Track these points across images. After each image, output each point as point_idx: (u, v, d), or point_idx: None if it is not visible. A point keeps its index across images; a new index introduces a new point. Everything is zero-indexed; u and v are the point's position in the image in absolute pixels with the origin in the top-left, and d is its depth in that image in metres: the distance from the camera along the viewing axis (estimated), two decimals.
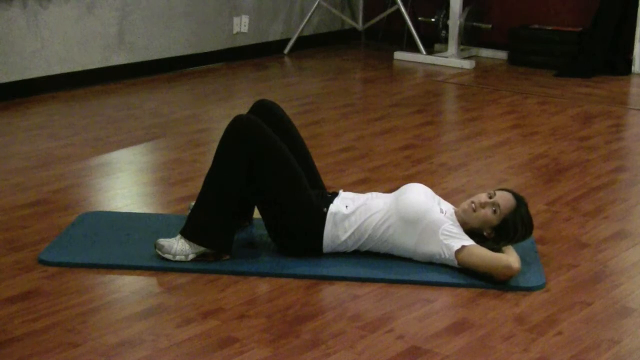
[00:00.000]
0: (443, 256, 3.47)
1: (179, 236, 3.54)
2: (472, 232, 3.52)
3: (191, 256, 3.53)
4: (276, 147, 3.52)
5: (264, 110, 3.76)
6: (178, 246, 3.52)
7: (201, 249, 3.53)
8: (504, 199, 3.50)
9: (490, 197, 3.52)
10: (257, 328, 3.07)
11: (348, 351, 2.93)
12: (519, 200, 3.53)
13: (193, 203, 3.65)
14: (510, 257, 3.41)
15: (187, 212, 3.72)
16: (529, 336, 3.04)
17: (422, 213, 3.49)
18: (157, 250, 3.54)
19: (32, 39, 6.13)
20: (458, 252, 3.44)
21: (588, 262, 3.65)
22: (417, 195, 3.55)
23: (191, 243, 3.52)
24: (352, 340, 3.00)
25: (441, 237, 3.47)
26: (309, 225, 3.56)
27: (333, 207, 3.57)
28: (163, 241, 3.54)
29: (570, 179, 4.68)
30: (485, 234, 3.51)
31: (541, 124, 5.76)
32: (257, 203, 3.63)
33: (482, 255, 3.42)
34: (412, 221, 3.50)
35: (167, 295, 3.32)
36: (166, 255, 3.52)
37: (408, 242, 3.52)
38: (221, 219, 3.52)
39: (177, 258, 3.52)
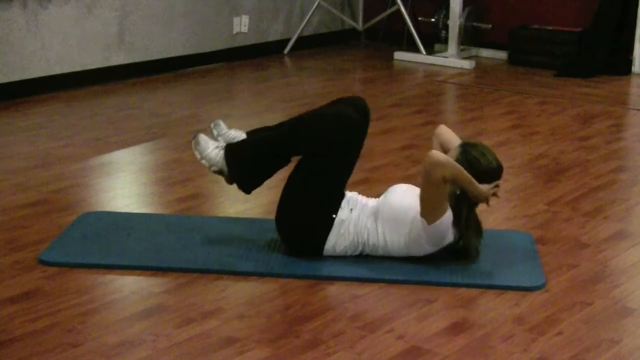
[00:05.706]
0: (426, 239, 3.46)
1: (221, 145, 3.52)
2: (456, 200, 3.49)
3: (214, 168, 3.52)
4: (354, 155, 3.56)
5: (364, 114, 3.66)
6: (212, 153, 3.51)
7: (226, 170, 3.52)
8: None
9: None
10: (257, 328, 3.07)
11: (348, 351, 2.93)
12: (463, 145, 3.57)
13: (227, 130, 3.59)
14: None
15: (210, 129, 3.64)
16: (529, 336, 3.04)
17: (405, 214, 3.49)
18: (193, 141, 3.52)
19: (32, 39, 6.13)
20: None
21: (588, 262, 3.65)
22: (398, 197, 3.55)
23: (225, 161, 3.51)
24: (352, 340, 3.00)
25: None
26: (317, 226, 3.53)
27: (342, 214, 3.53)
28: (204, 139, 3.52)
29: (570, 179, 4.67)
30: (457, 192, 3.47)
31: (541, 124, 5.76)
32: (292, 174, 3.57)
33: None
34: (400, 223, 3.49)
35: (167, 295, 3.31)
36: (196, 153, 3.52)
37: (400, 243, 3.51)
38: (262, 168, 3.53)
39: (203, 162, 3.51)
